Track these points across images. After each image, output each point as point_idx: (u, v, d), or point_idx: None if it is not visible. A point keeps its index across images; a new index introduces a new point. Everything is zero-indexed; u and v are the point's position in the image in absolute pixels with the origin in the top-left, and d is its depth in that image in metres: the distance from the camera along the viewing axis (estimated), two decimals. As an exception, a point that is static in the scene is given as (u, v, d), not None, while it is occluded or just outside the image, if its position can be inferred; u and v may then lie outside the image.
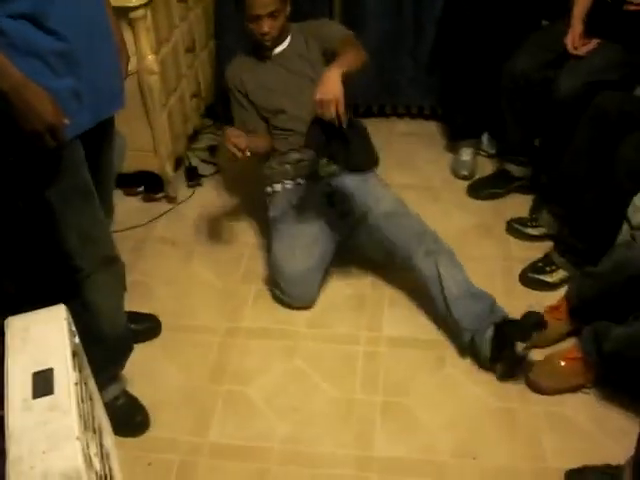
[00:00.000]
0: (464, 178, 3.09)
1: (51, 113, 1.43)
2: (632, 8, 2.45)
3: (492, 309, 2.23)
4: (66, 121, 1.47)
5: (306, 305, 2.45)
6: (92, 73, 1.55)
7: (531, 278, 2.52)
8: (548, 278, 2.50)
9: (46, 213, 1.60)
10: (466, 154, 3.15)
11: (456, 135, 3.26)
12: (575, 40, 2.57)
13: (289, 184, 2.54)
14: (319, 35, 2.55)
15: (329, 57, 2.43)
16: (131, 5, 2.44)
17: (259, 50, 2.55)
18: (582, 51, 2.56)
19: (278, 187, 2.56)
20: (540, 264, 2.53)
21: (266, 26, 2.41)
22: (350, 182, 2.42)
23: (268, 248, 2.59)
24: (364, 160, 2.28)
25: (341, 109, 2.09)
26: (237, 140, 2.26)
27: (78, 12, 1.49)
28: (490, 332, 2.15)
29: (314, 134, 2.21)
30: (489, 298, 2.26)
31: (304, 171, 2.52)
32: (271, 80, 2.55)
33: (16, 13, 1.37)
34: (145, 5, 2.49)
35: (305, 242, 2.42)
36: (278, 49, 2.54)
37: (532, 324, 2.12)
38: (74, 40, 1.47)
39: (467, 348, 2.23)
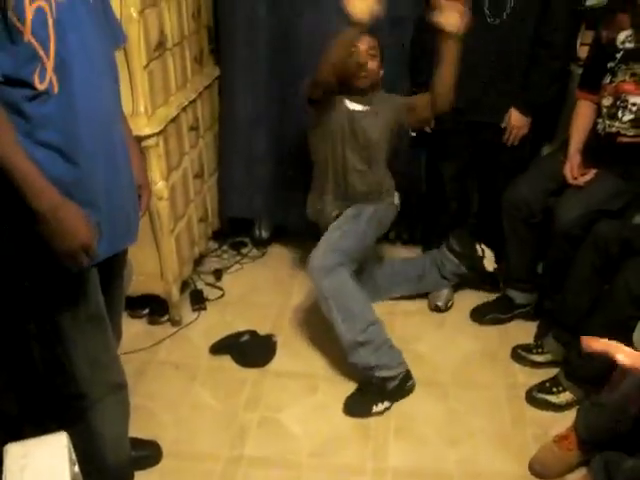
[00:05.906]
0: (436, 309, 3.04)
1: (87, 232, 1.47)
2: (625, 140, 2.53)
3: None
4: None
5: None
6: (111, 206, 1.59)
7: (537, 398, 2.49)
8: (554, 399, 2.47)
9: (57, 338, 1.59)
10: None
11: None
12: (573, 171, 2.64)
13: None
14: (395, 106, 2.62)
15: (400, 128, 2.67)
16: (144, 134, 2.50)
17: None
18: (581, 181, 2.62)
19: None
20: (547, 384, 2.51)
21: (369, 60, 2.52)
22: None
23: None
24: None
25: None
26: None
27: (101, 146, 1.55)
28: None
29: None
30: None
31: None
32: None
33: (44, 142, 1.42)
34: (158, 134, 2.56)
35: None
36: (358, 107, 2.59)
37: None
38: (96, 173, 1.52)
39: None
